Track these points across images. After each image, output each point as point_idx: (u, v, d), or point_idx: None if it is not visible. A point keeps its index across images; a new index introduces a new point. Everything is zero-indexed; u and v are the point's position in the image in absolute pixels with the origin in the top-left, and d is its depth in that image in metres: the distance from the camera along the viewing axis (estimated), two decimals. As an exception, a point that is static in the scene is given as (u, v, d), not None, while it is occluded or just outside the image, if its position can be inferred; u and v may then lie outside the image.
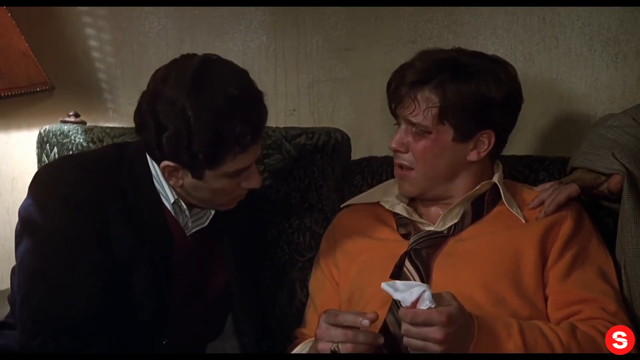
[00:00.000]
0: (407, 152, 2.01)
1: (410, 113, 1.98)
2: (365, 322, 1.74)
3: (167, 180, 1.93)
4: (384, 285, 1.71)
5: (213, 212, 2.03)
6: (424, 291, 1.68)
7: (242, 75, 1.90)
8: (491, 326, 1.77)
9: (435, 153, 1.99)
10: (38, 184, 1.96)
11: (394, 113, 2.04)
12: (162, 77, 1.88)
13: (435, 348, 1.69)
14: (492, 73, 2.00)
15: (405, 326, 1.70)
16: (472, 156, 2.01)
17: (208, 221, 2.03)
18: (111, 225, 1.90)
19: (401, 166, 2.03)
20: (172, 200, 1.96)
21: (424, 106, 1.96)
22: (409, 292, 1.69)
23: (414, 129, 1.99)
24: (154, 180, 1.96)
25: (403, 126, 2.01)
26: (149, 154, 1.95)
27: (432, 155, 1.99)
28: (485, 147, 2.01)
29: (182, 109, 1.82)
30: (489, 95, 1.97)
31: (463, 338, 1.73)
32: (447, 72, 1.97)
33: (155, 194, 1.96)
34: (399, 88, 2.00)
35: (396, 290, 1.70)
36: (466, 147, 2.00)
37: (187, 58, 1.90)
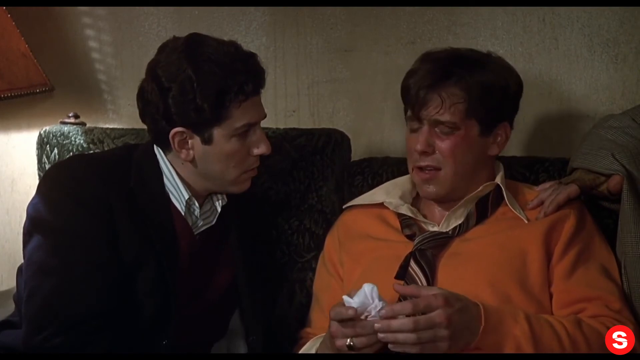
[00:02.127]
0: (433, 153, 2.00)
1: (437, 112, 1.97)
2: (372, 319, 1.74)
3: (178, 152, 1.96)
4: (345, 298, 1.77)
5: (220, 209, 2.06)
6: (372, 288, 1.75)
7: (233, 41, 1.98)
8: (497, 313, 1.80)
9: (464, 149, 1.99)
10: (47, 182, 1.99)
11: (416, 116, 2.01)
12: (157, 54, 1.97)
13: (444, 333, 1.71)
14: (499, 64, 2.04)
15: (413, 320, 1.70)
16: (493, 150, 2.04)
17: (215, 219, 2.06)
18: (119, 224, 1.92)
19: (426, 168, 2.01)
20: (186, 197, 1.99)
21: (449, 102, 1.97)
22: (363, 296, 1.74)
23: (437, 129, 1.99)
24: (166, 180, 2.00)
25: (425, 127, 1.99)
26: (157, 140, 2.00)
27: (461, 152, 1.99)
28: (503, 139, 2.04)
29: (183, 66, 1.90)
30: (505, 84, 2.01)
31: (468, 322, 1.75)
32: (463, 67, 1.99)
33: (164, 195, 1.99)
34: (419, 90, 1.99)
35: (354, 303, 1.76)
36: (488, 141, 2.03)
37: (176, 37, 1.99)
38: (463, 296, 1.78)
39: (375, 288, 1.76)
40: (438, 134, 1.99)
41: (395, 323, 1.72)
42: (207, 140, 1.94)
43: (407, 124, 2.06)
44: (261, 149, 1.99)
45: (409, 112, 2.04)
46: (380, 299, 1.75)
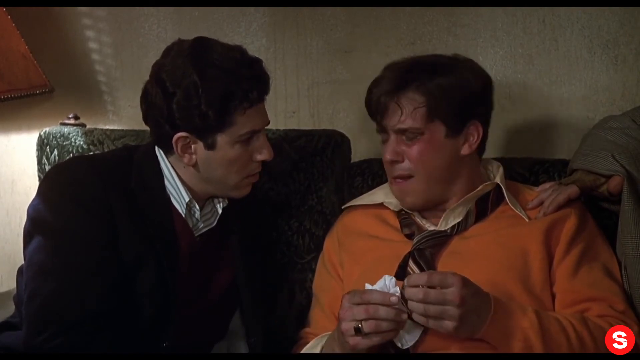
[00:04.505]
0: (403, 161, 2.01)
1: (398, 121, 1.98)
2: (394, 298, 1.75)
3: (180, 157, 1.95)
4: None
5: (220, 211, 2.05)
6: (391, 278, 1.79)
7: (239, 46, 1.98)
8: (506, 305, 1.81)
9: (432, 153, 1.99)
10: (48, 183, 1.99)
11: (380, 126, 2.03)
12: (162, 57, 1.96)
13: (454, 312, 1.72)
14: (465, 67, 2.03)
15: (423, 290, 1.72)
16: (465, 149, 2.03)
17: (216, 221, 2.06)
18: (119, 225, 1.92)
19: (400, 177, 2.02)
20: (186, 200, 1.99)
21: (410, 108, 1.97)
22: (382, 284, 1.78)
23: (404, 137, 1.99)
24: (166, 181, 2.00)
25: (392, 137, 2.01)
26: (160, 143, 1.99)
27: (429, 157, 1.99)
28: (475, 138, 2.03)
29: (188, 71, 1.89)
30: (469, 86, 2.01)
31: (479, 308, 1.76)
32: (424, 72, 2.00)
33: (164, 196, 1.99)
34: (380, 98, 2.00)
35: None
36: (458, 142, 2.02)
37: (181, 41, 1.98)
38: (477, 285, 1.78)
39: (393, 279, 1.79)
40: (405, 142, 1.99)
41: (407, 290, 1.74)
42: (210, 146, 1.94)
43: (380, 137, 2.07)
44: (264, 155, 1.99)
45: (377, 124, 2.04)
46: (397, 290, 1.78)
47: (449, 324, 1.74)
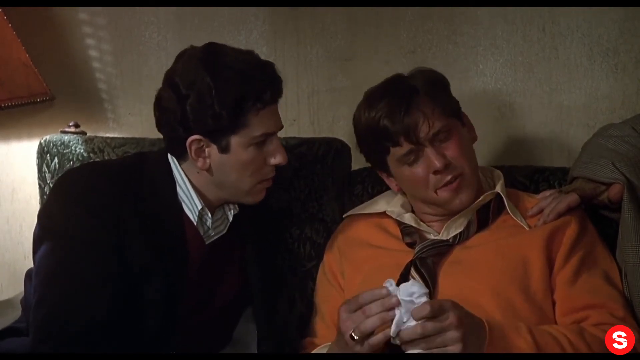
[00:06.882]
0: (450, 163, 1.99)
1: (430, 126, 1.97)
2: (394, 299, 1.72)
3: (194, 161, 1.95)
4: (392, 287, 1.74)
5: (231, 218, 2.05)
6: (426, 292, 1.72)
7: (250, 50, 2.00)
8: (499, 325, 1.79)
9: (466, 145, 2.03)
10: (59, 189, 1.99)
11: (415, 142, 1.98)
12: (174, 63, 1.97)
13: (455, 335, 1.68)
14: (427, 69, 2.09)
15: (420, 325, 1.68)
16: (472, 138, 2.09)
17: (226, 229, 2.06)
18: (129, 234, 1.91)
19: (450, 180, 1.98)
20: (199, 207, 1.98)
21: (430, 111, 1.98)
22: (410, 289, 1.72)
23: (437, 141, 1.98)
24: (179, 188, 1.99)
25: (428, 148, 1.98)
26: (173, 149, 1.99)
27: (466, 148, 2.02)
28: (470, 126, 2.09)
29: (201, 74, 1.89)
30: (446, 82, 2.08)
31: (476, 328, 1.74)
32: (408, 80, 2.04)
33: (176, 203, 1.98)
34: (404, 119, 1.97)
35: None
36: (466, 131, 2.07)
37: (193, 47, 1.99)
38: (467, 310, 1.76)
39: (391, 281, 1.74)
40: (440, 146, 1.99)
41: (404, 334, 1.70)
42: (224, 149, 1.94)
43: (396, 167, 2.04)
44: (278, 158, 1.99)
45: (402, 149, 1.99)
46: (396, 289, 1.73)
47: (455, 350, 1.70)
